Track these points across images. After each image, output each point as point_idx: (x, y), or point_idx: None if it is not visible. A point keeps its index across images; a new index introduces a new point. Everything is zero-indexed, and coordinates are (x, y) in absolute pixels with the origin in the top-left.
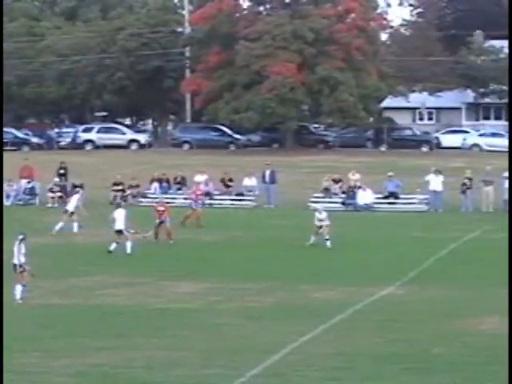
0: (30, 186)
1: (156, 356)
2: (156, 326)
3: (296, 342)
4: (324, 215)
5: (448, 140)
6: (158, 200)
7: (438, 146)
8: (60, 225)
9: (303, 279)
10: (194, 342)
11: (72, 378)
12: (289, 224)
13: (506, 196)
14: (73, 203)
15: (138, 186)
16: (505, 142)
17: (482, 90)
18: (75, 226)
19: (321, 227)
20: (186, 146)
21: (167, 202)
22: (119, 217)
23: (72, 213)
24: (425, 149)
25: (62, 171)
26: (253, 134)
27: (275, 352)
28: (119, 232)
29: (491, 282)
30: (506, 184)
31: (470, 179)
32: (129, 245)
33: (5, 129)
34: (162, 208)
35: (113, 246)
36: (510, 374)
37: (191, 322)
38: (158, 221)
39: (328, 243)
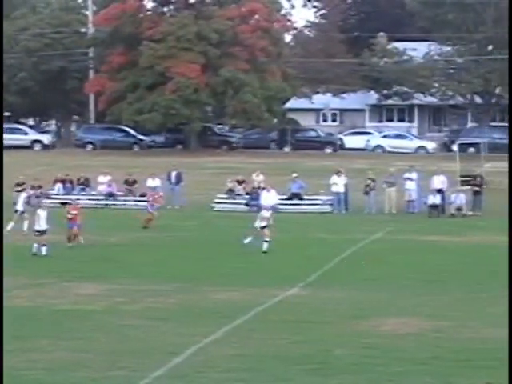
0: None
1: (58, 358)
2: (58, 327)
3: (199, 344)
4: (269, 214)
5: (351, 141)
6: (70, 201)
7: (342, 147)
8: (11, 225)
9: (209, 280)
10: (96, 343)
11: None
12: (194, 224)
13: (409, 197)
14: (21, 202)
15: (40, 186)
16: (407, 143)
17: (385, 91)
18: (25, 224)
19: (264, 227)
20: (90, 147)
21: (69, 203)
22: (41, 217)
23: (22, 212)
24: (328, 150)
25: None
26: (157, 135)
27: (179, 353)
28: (41, 232)
29: (393, 283)
30: (408, 185)
31: (373, 180)
32: (45, 248)
33: None
34: (74, 212)
35: (35, 247)
36: (510, 374)
37: (94, 323)
38: (70, 224)
39: (265, 246)
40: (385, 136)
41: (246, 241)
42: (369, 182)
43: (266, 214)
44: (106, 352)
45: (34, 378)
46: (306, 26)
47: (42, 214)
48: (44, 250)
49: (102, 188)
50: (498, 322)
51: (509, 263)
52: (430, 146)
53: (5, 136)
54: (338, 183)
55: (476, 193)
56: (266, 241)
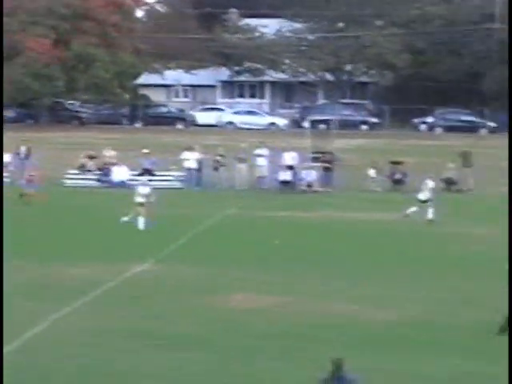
0: None
1: None
2: None
3: (47, 320)
4: (148, 191)
5: (203, 117)
6: None
7: (193, 123)
8: None
9: (59, 256)
10: None
11: None
12: (45, 200)
13: (260, 173)
14: None
15: None
16: (259, 119)
17: (236, 68)
18: None
19: (142, 204)
20: None
21: None
22: None
23: None
24: (180, 126)
25: None
26: (7, 110)
27: (26, 329)
28: None
29: (244, 259)
30: (259, 161)
31: (223, 156)
32: None
33: None
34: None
35: None
36: (510, 375)
37: None
38: None
39: (140, 223)
40: (236, 112)
41: (125, 219)
42: (218, 158)
43: (142, 190)
44: None
45: None
46: (157, 2)
47: None
48: None
49: None
50: (344, 297)
51: (509, 262)
52: (282, 122)
53: None
54: (190, 159)
55: (326, 169)
56: (141, 218)
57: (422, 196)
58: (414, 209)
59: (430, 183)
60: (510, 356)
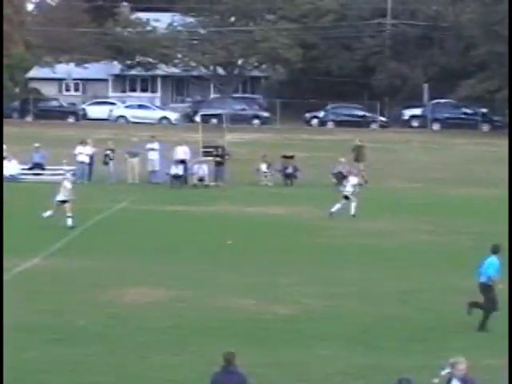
0: None
1: None
2: None
3: None
4: (70, 186)
5: (94, 111)
6: None
7: (85, 117)
8: None
9: None
10: None
11: None
12: None
13: (152, 167)
14: None
15: None
16: (150, 113)
17: (128, 61)
18: None
19: (65, 202)
20: None
21: None
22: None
23: None
24: (71, 120)
25: None
26: None
27: None
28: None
29: (134, 253)
30: (151, 155)
31: (113, 150)
32: None
33: None
34: None
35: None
36: (510, 375)
37: None
38: None
39: (69, 221)
40: (128, 106)
41: (46, 214)
42: (108, 152)
43: (68, 185)
44: None
45: None
46: None
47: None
48: None
49: None
50: (240, 291)
51: (509, 261)
52: (173, 116)
53: None
54: (83, 153)
55: (218, 163)
56: (69, 216)
57: (347, 192)
58: (338, 206)
59: (354, 180)
60: (510, 356)
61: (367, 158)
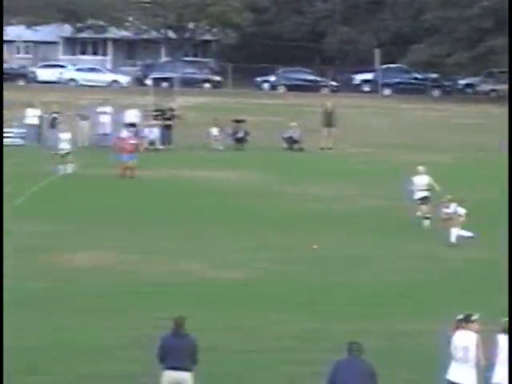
0: None
1: None
2: None
3: None
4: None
5: (44, 74)
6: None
7: (35, 79)
8: None
9: None
10: None
11: None
12: None
13: (103, 131)
14: None
15: None
16: (101, 76)
17: (79, 24)
18: None
19: (68, 153)
20: None
21: None
22: None
23: None
24: (21, 83)
25: None
26: None
27: None
28: None
29: (87, 217)
30: (102, 119)
31: (58, 113)
32: None
33: None
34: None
35: None
36: (510, 372)
37: None
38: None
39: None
40: (78, 69)
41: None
42: (55, 115)
43: (66, 136)
44: None
45: None
46: None
47: None
48: None
49: None
50: (191, 256)
51: (509, 260)
52: (124, 79)
53: None
54: (32, 116)
55: (167, 127)
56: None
57: None
58: None
59: None
60: (510, 355)
61: (315, 122)
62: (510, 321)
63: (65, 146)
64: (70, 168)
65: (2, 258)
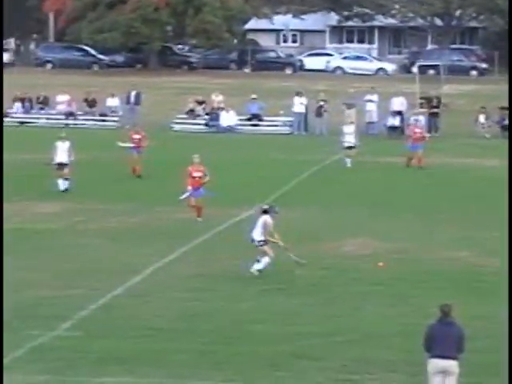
0: None
1: (16, 277)
2: (15, 246)
3: (158, 263)
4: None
5: (311, 62)
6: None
7: (302, 68)
8: None
9: (164, 201)
10: (53, 262)
11: None
12: (153, 145)
13: (369, 119)
14: None
15: None
16: (367, 64)
17: (345, 12)
18: None
19: (351, 148)
20: (49, 66)
21: (27, 122)
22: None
23: None
24: (288, 71)
25: None
26: (117, 55)
27: (137, 273)
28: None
29: (353, 204)
30: (368, 107)
31: (325, 101)
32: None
33: None
34: (137, 136)
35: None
36: (510, 370)
37: (52, 242)
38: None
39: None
40: (345, 57)
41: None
42: (321, 103)
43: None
44: (62, 271)
45: None
46: None
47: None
48: (65, 184)
49: (62, 107)
50: (451, 244)
51: (509, 256)
52: (390, 67)
53: None
54: (300, 104)
55: (434, 114)
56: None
57: None
58: None
59: None
60: (510, 355)
61: None
62: (509, 317)
63: (349, 140)
64: (349, 163)
65: (1, 258)
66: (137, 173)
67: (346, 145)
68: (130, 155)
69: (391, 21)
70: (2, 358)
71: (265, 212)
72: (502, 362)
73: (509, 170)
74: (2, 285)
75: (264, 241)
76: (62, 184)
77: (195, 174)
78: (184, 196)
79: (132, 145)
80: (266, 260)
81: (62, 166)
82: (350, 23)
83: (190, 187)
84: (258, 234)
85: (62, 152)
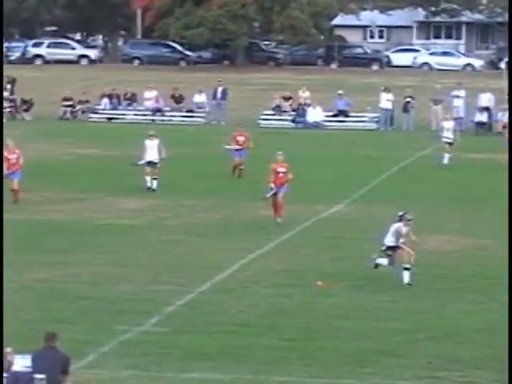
0: None
1: (100, 272)
2: (101, 242)
3: (244, 259)
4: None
5: (398, 58)
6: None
7: (389, 64)
8: None
9: (249, 197)
10: (140, 258)
11: (17, 292)
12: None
13: (456, 115)
14: None
15: (87, 101)
16: (454, 60)
17: (432, 8)
18: None
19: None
20: (137, 62)
21: (115, 118)
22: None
23: None
24: (375, 67)
25: (8, 85)
26: (203, 51)
27: (224, 268)
28: (152, 164)
29: (440, 201)
30: (456, 102)
31: (412, 98)
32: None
33: None
34: (242, 138)
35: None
36: (509, 368)
37: (137, 238)
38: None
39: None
40: (432, 53)
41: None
42: (408, 99)
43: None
44: (149, 266)
45: (78, 291)
46: None
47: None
48: (154, 184)
49: (149, 103)
50: None
51: (509, 253)
52: (477, 63)
53: (52, 50)
54: (386, 100)
55: None
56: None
57: None
58: None
59: None
60: (510, 355)
61: None
62: (509, 317)
63: (448, 135)
64: (447, 159)
65: (2, 257)
66: (237, 174)
67: (445, 140)
68: (232, 158)
69: (479, 16)
70: (2, 357)
71: (400, 219)
72: None
73: (509, 170)
74: (2, 285)
75: (390, 247)
76: (151, 183)
77: (279, 169)
78: (269, 194)
79: (236, 147)
80: (384, 262)
81: (152, 164)
82: (437, 19)
83: (273, 185)
84: (388, 240)
85: (152, 150)
